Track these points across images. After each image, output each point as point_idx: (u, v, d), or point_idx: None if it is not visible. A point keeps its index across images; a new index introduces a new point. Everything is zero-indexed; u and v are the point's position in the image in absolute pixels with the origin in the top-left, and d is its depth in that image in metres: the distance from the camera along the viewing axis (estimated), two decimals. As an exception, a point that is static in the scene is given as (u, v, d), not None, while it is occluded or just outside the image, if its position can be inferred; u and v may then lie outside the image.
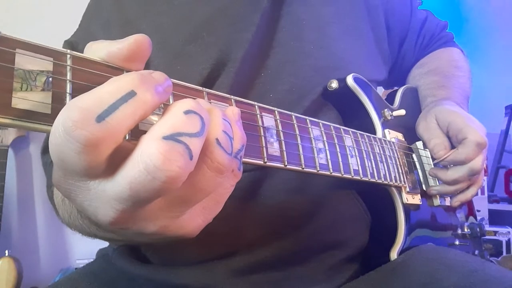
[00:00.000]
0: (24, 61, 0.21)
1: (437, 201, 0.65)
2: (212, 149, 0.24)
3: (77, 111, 0.20)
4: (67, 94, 0.22)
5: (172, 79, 0.28)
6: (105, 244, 0.64)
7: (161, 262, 0.56)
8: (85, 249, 1.50)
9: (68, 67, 0.23)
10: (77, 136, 0.20)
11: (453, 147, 0.61)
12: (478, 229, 0.77)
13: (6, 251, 1.33)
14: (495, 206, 2.26)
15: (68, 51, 0.23)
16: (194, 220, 0.27)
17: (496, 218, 2.16)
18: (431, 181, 0.65)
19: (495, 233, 2.07)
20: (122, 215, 0.23)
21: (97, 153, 0.21)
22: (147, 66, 0.53)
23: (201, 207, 0.27)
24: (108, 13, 0.60)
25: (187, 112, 0.23)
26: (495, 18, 2.74)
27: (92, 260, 0.64)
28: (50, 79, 0.22)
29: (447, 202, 0.68)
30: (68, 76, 0.23)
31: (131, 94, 0.21)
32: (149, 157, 0.21)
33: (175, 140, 0.21)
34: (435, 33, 0.84)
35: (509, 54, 2.67)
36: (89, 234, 0.43)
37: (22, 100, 0.21)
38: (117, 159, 0.22)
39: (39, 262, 1.53)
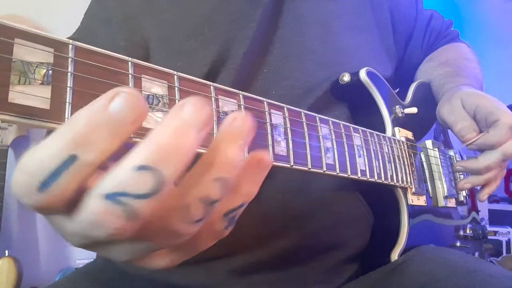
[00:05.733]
0: (23, 52, 0.20)
1: (441, 202, 0.64)
2: (170, 216, 0.21)
3: (22, 177, 0.18)
4: (68, 88, 0.21)
5: (179, 73, 0.27)
6: (105, 244, 0.63)
7: None
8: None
9: (70, 59, 0.21)
10: (25, 202, 0.19)
11: (480, 131, 0.59)
12: (480, 231, 0.76)
13: (6, 251, 1.32)
14: (495, 206, 2.26)
15: (71, 41, 0.22)
16: (161, 260, 0.25)
17: (496, 218, 2.16)
18: (438, 182, 0.64)
19: (495, 233, 2.07)
20: (85, 246, 0.22)
21: (47, 211, 0.20)
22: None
23: (169, 251, 0.25)
24: (109, 9, 0.59)
25: (139, 168, 0.18)
26: (494, 17, 2.74)
27: (92, 260, 0.64)
28: (50, 71, 0.21)
29: (451, 203, 0.67)
30: (70, 69, 0.21)
31: (72, 159, 0.18)
32: (89, 214, 0.19)
33: (115, 201, 0.19)
34: (441, 30, 0.83)
35: (509, 54, 2.67)
36: None
37: (19, 94, 0.20)
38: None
39: (39, 262, 1.52)
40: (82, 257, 1.45)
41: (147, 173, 0.18)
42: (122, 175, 0.18)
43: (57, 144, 0.18)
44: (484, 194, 0.63)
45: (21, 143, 1.47)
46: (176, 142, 0.19)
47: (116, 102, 0.18)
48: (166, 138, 0.18)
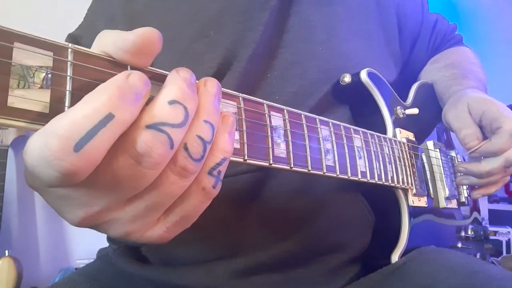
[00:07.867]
0: (22, 56, 0.20)
1: (442, 203, 0.64)
2: (178, 152, 0.24)
3: (55, 140, 0.19)
4: (67, 92, 0.21)
5: None
6: (105, 244, 0.63)
7: (161, 262, 0.55)
8: (85, 249, 1.49)
9: (69, 63, 0.21)
10: (56, 166, 0.20)
11: (485, 138, 0.59)
12: (482, 233, 0.76)
13: (6, 251, 1.32)
14: (495, 206, 2.26)
15: (70, 45, 0.22)
16: (157, 229, 0.28)
17: (496, 218, 2.16)
18: (439, 183, 0.64)
19: (495, 233, 2.07)
20: (86, 218, 0.25)
21: (74, 179, 0.21)
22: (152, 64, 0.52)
23: (163, 219, 0.28)
24: (114, 8, 0.58)
25: (171, 103, 0.23)
26: (495, 18, 2.73)
27: (92, 260, 0.64)
28: (49, 75, 0.21)
29: (453, 204, 0.67)
30: (69, 72, 0.21)
31: (109, 117, 0.21)
32: (140, 143, 0.22)
33: (158, 129, 0.22)
34: (446, 34, 0.84)
35: (509, 53, 2.66)
36: None
37: (18, 98, 0.20)
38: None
39: (39, 262, 1.51)
40: (82, 257, 1.46)
41: (178, 106, 0.23)
42: (160, 109, 0.23)
43: (93, 106, 0.20)
44: (478, 194, 0.63)
45: (21, 143, 1.47)
46: (188, 87, 0.24)
47: (132, 77, 0.22)
48: (181, 83, 0.24)
